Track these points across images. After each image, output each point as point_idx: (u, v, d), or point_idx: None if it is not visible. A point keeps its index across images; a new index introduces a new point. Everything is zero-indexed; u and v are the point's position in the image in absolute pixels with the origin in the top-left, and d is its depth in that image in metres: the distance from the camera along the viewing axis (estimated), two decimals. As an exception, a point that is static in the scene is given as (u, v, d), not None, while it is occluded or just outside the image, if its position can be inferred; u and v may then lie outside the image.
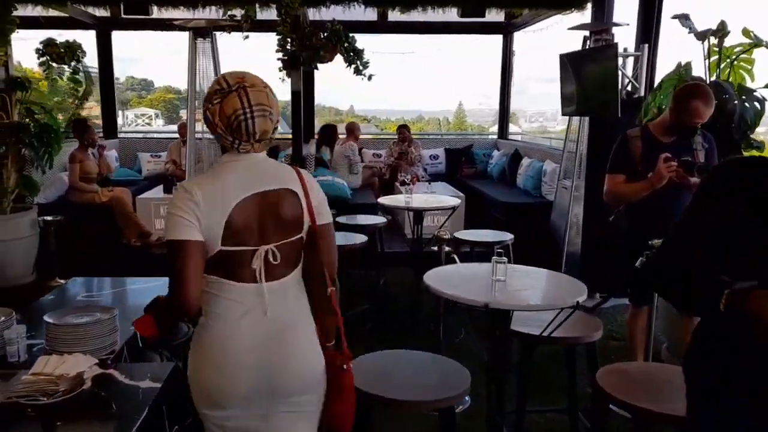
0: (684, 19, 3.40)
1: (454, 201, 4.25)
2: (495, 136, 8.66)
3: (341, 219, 4.59)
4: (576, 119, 5.39)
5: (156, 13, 6.10)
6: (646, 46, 4.56)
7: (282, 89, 5.39)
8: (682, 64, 3.51)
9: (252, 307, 1.56)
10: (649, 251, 2.76)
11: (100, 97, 7.76)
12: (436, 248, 2.78)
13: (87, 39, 7.04)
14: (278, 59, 5.22)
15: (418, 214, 4.10)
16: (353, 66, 5.43)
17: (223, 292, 1.56)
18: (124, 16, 6.99)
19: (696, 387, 1.35)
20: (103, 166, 5.75)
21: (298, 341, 1.62)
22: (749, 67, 3.47)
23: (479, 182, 7.31)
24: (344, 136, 7.32)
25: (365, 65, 5.45)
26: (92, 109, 8.27)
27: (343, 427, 1.69)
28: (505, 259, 2.20)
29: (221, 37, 5.34)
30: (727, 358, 1.27)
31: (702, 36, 3.44)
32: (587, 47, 4.98)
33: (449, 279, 2.32)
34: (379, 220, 4.56)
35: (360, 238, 3.95)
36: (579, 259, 5.11)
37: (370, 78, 5.50)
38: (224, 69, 5.12)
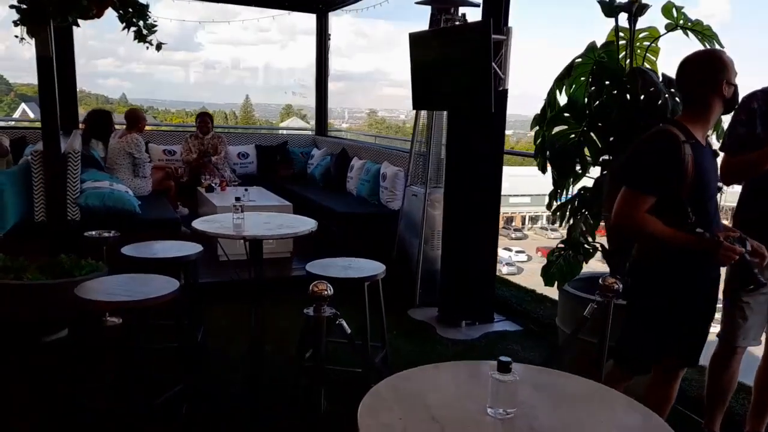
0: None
1: (307, 222, 3.04)
2: (311, 132, 7.58)
3: (130, 250, 3.04)
4: (425, 114, 4.59)
5: None
6: (512, 28, 3.91)
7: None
8: (597, 45, 2.84)
9: None
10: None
11: None
12: (311, 311, 1.63)
13: None
14: (11, 7, 3.45)
15: (257, 243, 2.82)
16: (134, 29, 3.83)
17: None
18: None
19: None
20: None
21: None
22: (653, 58, 2.95)
23: (301, 186, 6.14)
24: (123, 126, 5.51)
25: (151, 29, 3.88)
26: None
27: None
28: (513, 376, 1.15)
29: None
30: None
31: (611, 10, 2.79)
32: (437, 28, 4.19)
33: (413, 426, 1.14)
34: (192, 248, 3.14)
35: (167, 286, 2.53)
36: (438, 280, 4.31)
37: (159, 47, 3.93)
38: None
